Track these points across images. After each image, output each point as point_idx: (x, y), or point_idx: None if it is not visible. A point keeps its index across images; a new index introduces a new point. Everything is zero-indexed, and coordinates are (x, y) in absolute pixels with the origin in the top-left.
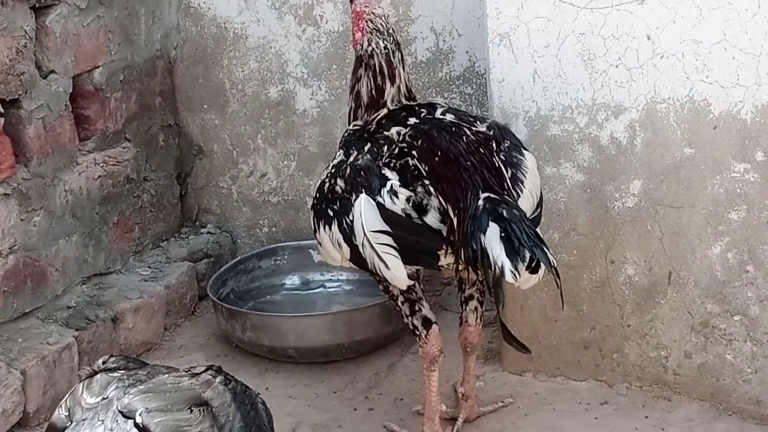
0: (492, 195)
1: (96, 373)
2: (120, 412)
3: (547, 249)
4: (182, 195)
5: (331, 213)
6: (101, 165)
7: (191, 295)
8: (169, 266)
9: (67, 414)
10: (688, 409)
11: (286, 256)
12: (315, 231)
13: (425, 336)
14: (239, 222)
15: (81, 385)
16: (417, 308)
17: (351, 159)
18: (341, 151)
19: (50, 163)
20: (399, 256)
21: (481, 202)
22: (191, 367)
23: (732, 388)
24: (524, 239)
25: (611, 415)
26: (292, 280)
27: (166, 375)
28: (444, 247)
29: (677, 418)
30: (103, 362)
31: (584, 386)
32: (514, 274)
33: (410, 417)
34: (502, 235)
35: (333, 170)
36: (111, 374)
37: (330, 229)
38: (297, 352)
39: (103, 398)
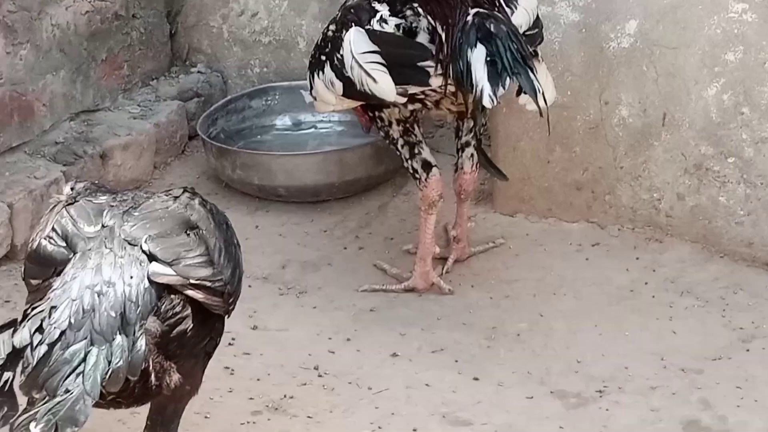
0: (481, 10)
1: (75, 200)
2: (125, 240)
3: (534, 72)
4: (172, 34)
5: (323, 58)
6: (89, 0)
7: (181, 134)
8: (158, 105)
9: (65, 245)
10: (680, 251)
11: (277, 97)
12: (310, 88)
13: (425, 180)
14: (230, 62)
15: (67, 214)
16: (416, 151)
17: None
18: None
19: None
20: (387, 71)
21: (469, 18)
22: (167, 190)
23: (724, 230)
24: (508, 61)
25: (603, 257)
26: (283, 121)
27: (152, 200)
28: (434, 64)
29: (669, 260)
30: (72, 188)
31: (576, 228)
32: (492, 99)
33: (400, 256)
34: (488, 59)
35: (328, 24)
36: (95, 201)
37: (323, 72)
38: (287, 192)
39: (103, 226)
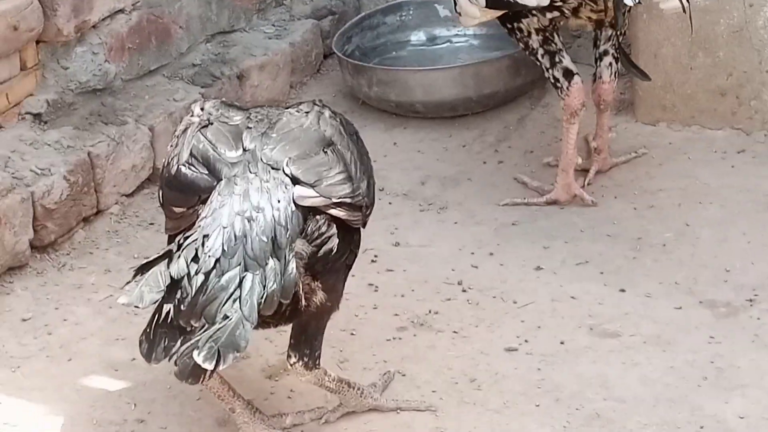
0: None
1: (209, 122)
2: (267, 164)
3: None
4: None
5: None
6: None
7: (316, 53)
8: (293, 24)
9: (207, 172)
10: None
11: (411, 12)
12: (454, 5)
13: (567, 88)
14: None
15: (204, 138)
16: (557, 60)
17: None
18: None
19: None
20: None
21: None
22: (298, 103)
23: None
24: None
25: (749, 163)
26: (418, 36)
27: (285, 118)
28: None
29: None
30: (202, 108)
31: (720, 135)
32: None
33: (540, 169)
34: None
35: None
36: (230, 122)
37: None
38: (424, 107)
39: (244, 150)
